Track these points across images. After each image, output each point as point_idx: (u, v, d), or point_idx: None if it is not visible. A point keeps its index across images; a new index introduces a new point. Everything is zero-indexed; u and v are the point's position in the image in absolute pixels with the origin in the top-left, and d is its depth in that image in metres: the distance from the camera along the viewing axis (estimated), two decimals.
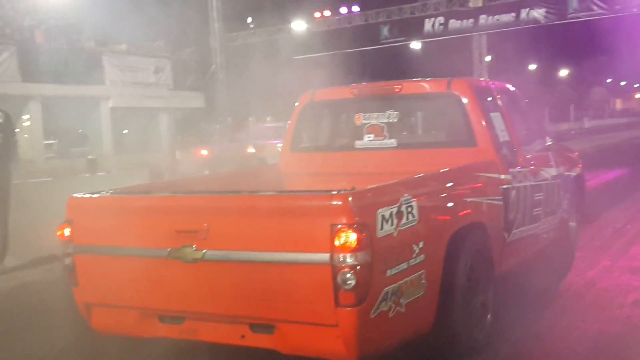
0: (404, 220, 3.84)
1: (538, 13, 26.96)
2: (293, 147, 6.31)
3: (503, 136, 5.63)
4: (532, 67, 62.26)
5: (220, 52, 34.55)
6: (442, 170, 4.84)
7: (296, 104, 6.33)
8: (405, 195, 3.92)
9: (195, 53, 32.36)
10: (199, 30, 32.63)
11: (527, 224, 5.74)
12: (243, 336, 3.82)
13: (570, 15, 26.84)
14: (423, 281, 4.01)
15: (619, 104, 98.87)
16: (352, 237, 3.43)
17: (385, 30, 30.53)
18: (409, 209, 3.91)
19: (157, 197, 4.48)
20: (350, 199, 3.51)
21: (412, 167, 5.04)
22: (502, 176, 5.31)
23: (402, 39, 30.63)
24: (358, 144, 5.91)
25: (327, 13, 31.83)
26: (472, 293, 4.57)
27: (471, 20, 28.46)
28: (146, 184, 6.43)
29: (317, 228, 3.48)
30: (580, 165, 7.69)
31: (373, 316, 3.55)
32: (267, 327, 3.75)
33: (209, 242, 3.75)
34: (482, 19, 28.21)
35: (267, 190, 4.58)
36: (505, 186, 5.29)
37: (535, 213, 5.91)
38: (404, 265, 3.82)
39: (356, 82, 7.08)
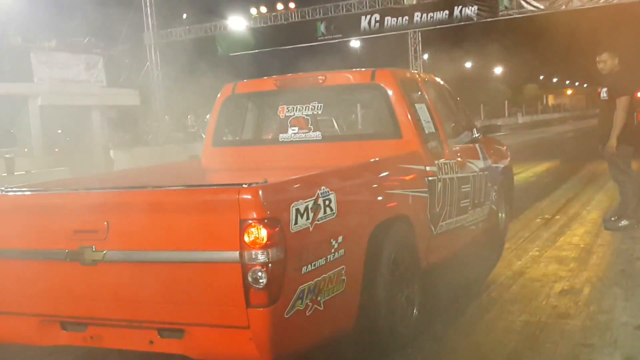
0: (320, 214, 3.63)
1: (471, 10, 27.38)
2: (215, 142, 6.10)
3: (429, 128, 5.57)
4: (468, 64, 63.40)
5: (154, 49, 33.82)
6: (363, 162, 4.71)
7: (218, 96, 6.10)
8: (323, 187, 3.72)
9: (129, 49, 31.46)
10: (133, 26, 31.87)
11: (455, 216, 5.71)
12: (151, 342, 3.57)
13: (501, 13, 27.37)
14: (343, 277, 3.83)
15: (551, 100, 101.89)
16: (262, 233, 3.23)
17: (321, 27, 30.46)
18: (327, 202, 3.71)
19: (53, 194, 4.14)
20: (260, 192, 3.29)
21: (338, 160, 4.90)
22: (428, 168, 5.23)
23: (339, 36, 30.61)
24: (282, 137, 5.75)
25: (263, 9, 31.48)
26: (396, 288, 4.45)
27: (406, 17, 28.69)
28: (46, 181, 5.92)
29: (226, 224, 3.27)
30: (508, 158, 7.78)
31: (288, 316, 3.36)
32: (176, 332, 3.50)
33: (110, 242, 3.50)
34: (417, 16, 28.47)
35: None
36: (430, 178, 5.21)
37: (462, 205, 5.89)
38: (321, 261, 3.63)
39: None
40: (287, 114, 5.68)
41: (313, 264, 3.54)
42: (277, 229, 3.27)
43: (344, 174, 4.27)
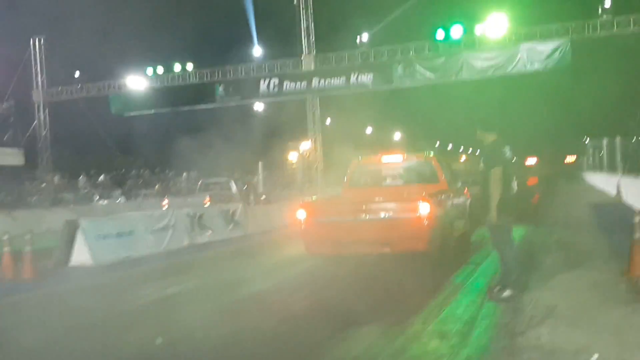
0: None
1: (366, 78, 28.13)
2: (350, 185, 12.22)
3: (448, 179, 12.21)
4: (369, 129, 65.06)
5: (43, 107, 32.44)
6: (438, 190, 11.15)
7: (351, 162, 12.58)
8: (442, 195, 10.90)
9: (15, 107, 29.89)
10: (19, 82, 30.44)
11: (455, 218, 11.77)
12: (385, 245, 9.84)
13: (396, 81, 28.28)
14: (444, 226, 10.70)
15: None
16: (426, 209, 9.66)
17: (220, 89, 30.32)
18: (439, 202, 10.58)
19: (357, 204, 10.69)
20: (424, 194, 10.10)
21: (415, 192, 10.62)
22: (450, 194, 11.71)
23: (238, 98, 30.55)
24: (383, 183, 12.22)
25: (160, 70, 30.97)
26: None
27: (304, 82, 29.09)
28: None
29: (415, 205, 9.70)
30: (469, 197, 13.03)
31: (434, 235, 10.06)
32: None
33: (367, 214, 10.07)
34: (315, 81, 28.93)
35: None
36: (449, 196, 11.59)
37: (459, 212, 12.17)
38: (441, 223, 10.30)
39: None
40: (385, 173, 12.27)
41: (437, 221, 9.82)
42: (430, 208, 9.59)
43: (436, 194, 10.45)
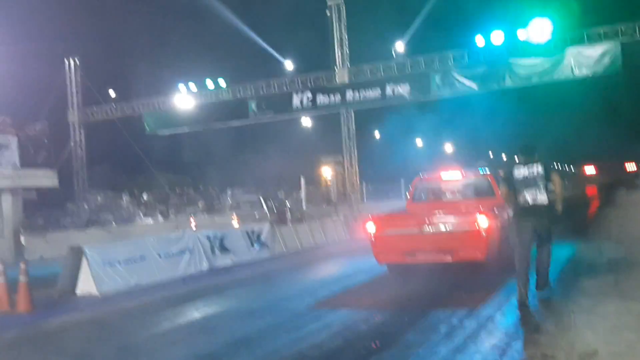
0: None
1: (403, 89, 26.93)
2: (414, 201, 12.95)
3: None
4: (419, 142, 63.92)
5: (79, 127, 32.31)
6: (496, 203, 11.16)
7: (415, 179, 13.49)
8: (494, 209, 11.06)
9: (49, 128, 29.68)
10: (51, 103, 30.35)
11: None
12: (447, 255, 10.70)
13: (434, 92, 26.99)
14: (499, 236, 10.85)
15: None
16: (485, 223, 10.33)
17: (253, 105, 29.56)
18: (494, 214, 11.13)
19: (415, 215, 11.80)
20: (482, 209, 10.69)
21: (473, 206, 11.28)
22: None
23: (271, 113, 29.72)
24: (444, 198, 12.79)
25: (192, 87, 30.45)
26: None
27: (338, 95, 28.06)
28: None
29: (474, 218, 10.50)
30: None
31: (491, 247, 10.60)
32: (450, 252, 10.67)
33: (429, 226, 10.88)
34: (349, 94, 27.87)
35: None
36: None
37: None
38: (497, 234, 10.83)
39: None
40: (445, 188, 12.88)
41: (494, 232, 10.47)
42: (488, 221, 10.33)
43: (493, 207, 10.87)
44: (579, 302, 7.82)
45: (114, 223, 30.29)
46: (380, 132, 52.46)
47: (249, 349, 6.80)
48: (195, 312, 9.56)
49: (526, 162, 8.37)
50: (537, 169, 8.28)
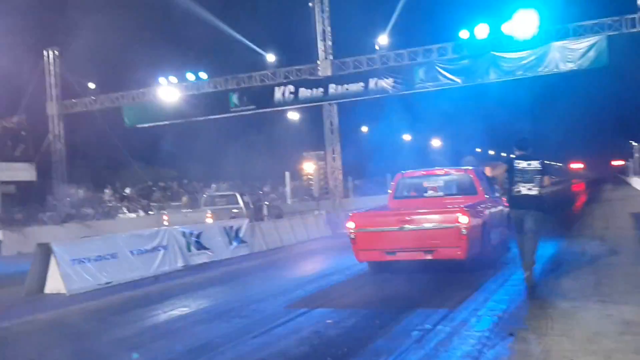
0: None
1: (386, 83, 26.59)
2: (395, 197, 12.85)
3: (485, 189, 12.60)
4: (407, 137, 63.73)
5: (57, 120, 31.68)
6: (479, 201, 11.99)
7: (396, 176, 13.28)
8: (481, 205, 11.89)
9: (25, 121, 29.06)
10: (30, 96, 29.67)
11: (495, 226, 12.41)
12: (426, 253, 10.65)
13: (418, 86, 26.67)
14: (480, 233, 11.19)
15: (487, 172, 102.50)
16: (465, 219, 10.23)
17: (234, 98, 29.08)
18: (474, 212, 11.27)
19: (400, 213, 11.57)
20: (462, 206, 10.67)
21: (453, 203, 11.65)
22: (488, 203, 12.29)
23: (252, 107, 29.26)
24: (424, 194, 12.60)
25: (173, 79, 29.92)
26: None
27: (321, 89, 27.66)
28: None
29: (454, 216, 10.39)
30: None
31: (471, 243, 10.55)
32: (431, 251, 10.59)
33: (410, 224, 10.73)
34: (332, 88, 27.49)
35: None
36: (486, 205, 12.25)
37: (497, 220, 12.61)
38: (477, 229, 11.09)
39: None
40: (427, 185, 12.70)
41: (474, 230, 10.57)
42: (468, 218, 10.26)
43: (474, 205, 11.32)
44: (559, 306, 7.53)
45: (94, 218, 29.78)
46: (368, 127, 52.22)
47: (209, 356, 6.45)
48: (162, 314, 9.18)
49: (524, 156, 9.31)
50: (535, 164, 9.22)
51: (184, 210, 26.90)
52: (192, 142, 36.83)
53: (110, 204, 34.53)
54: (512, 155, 9.55)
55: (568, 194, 43.78)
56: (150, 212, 31.10)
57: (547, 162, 12.16)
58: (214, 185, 35.64)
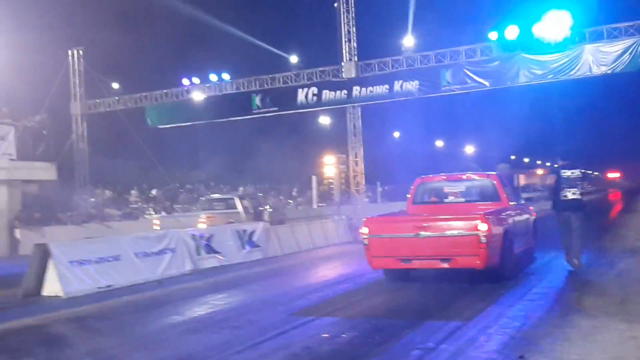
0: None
1: (412, 85, 25.83)
2: (414, 202, 12.26)
3: (509, 196, 12.22)
4: (439, 142, 62.99)
5: (81, 120, 31.58)
6: (499, 208, 11.18)
7: (415, 180, 12.60)
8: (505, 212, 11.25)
9: (47, 120, 28.91)
10: (52, 95, 29.60)
11: (519, 235, 11.72)
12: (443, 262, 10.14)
13: (444, 88, 25.86)
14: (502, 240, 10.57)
15: (522, 180, 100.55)
16: (484, 226, 9.62)
17: (256, 100, 28.60)
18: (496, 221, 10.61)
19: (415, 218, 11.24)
20: (483, 214, 9.95)
21: (474, 209, 10.88)
22: (511, 210, 11.75)
23: (275, 109, 28.73)
24: (445, 200, 12.15)
25: (196, 80, 29.58)
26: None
27: (344, 91, 27.00)
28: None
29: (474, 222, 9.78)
30: (535, 214, 13.61)
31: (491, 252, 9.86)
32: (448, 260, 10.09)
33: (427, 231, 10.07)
34: (356, 90, 26.81)
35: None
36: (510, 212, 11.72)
37: (521, 227, 12.16)
38: (499, 237, 10.45)
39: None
40: (448, 190, 12.15)
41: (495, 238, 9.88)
42: (488, 226, 9.64)
43: (496, 212, 10.68)
44: (578, 325, 6.78)
45: (118, 219, 29.53)
46: (400, 132, 51.56)
47: None
48: (152, 321, 8.64)
49: (567, 165, 10.92)
50: (577, 172, 10.84)
51: (177, 214, 26.17)
52: (219, 143, 36.49)
53: (136, 205, 34.33)
54: (555, 165, 11.18)
55: (603, 203, 42.42)
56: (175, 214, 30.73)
57: (584, 170, 11.67)
58: (241, 189, 35.21)
